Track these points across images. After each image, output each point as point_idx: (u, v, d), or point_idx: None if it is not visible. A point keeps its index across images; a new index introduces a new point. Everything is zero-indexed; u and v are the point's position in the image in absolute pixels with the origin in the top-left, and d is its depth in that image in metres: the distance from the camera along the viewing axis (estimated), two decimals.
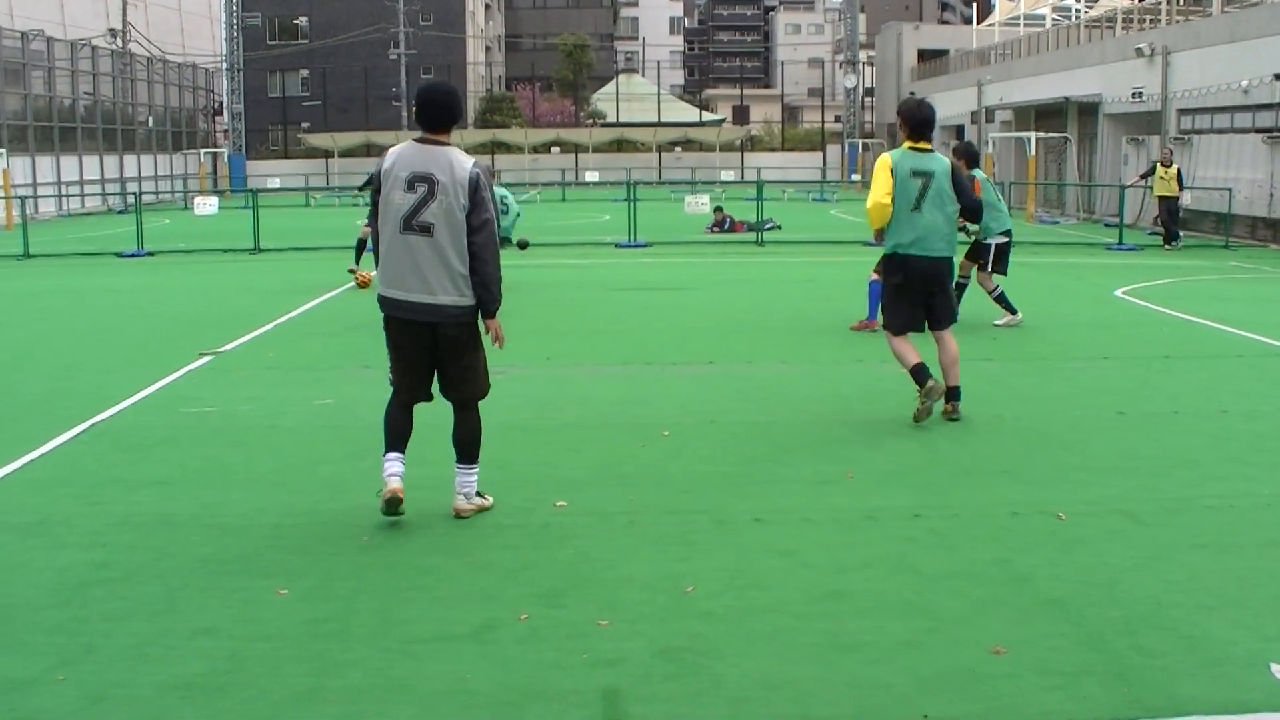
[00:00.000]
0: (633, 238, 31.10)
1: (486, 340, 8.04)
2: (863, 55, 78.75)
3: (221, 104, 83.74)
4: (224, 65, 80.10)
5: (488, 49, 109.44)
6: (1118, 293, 20.53)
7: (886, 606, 6.47)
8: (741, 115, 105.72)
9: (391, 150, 7.89)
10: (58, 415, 11.35)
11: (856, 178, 65.83)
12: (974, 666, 5.72)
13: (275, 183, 62.62)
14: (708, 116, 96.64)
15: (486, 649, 6.01)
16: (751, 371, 13.44)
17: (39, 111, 55.82)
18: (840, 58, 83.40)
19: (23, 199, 37.45)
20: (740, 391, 12.48)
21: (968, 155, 15.54)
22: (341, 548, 7.52)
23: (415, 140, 7.85)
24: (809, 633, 6.13)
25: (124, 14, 71.78)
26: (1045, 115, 48.66)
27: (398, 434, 8.07)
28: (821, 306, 18.55)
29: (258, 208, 32.18)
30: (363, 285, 20.51)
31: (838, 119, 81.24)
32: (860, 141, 72.76)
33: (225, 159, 75.98)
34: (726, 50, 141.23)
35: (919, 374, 10.61)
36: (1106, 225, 37.26)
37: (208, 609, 6.54)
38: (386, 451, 8.02)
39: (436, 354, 7.96)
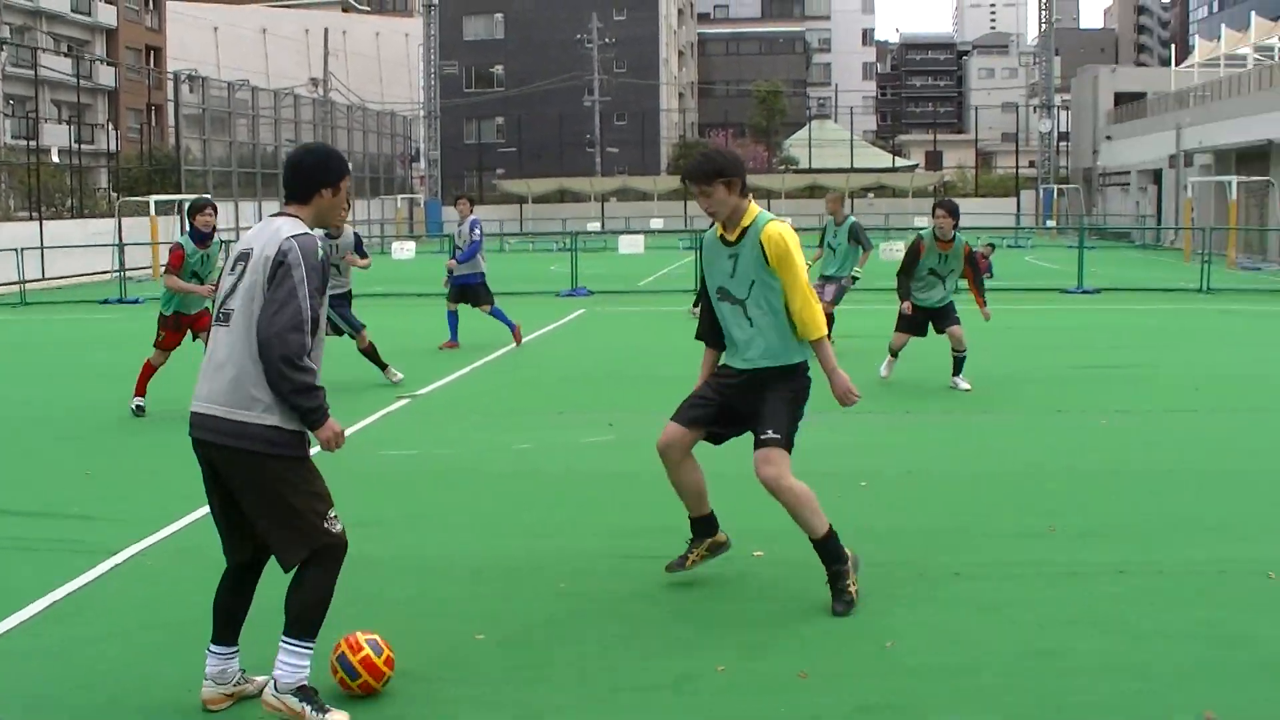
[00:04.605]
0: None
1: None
2: (1058, 99, 77.67)
3: (418, 150, 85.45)
4: (421, 112, 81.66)
5: (681, 95, 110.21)
6: None
7: (1094, 666, 6.29)
8: (935, 161, 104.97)
9: None
10: None
11: (1052, 224, 64.87)
12: None
13: None
14: (900, 162, 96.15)
15: (684, 700, 5.97)
16: (951, 420, 13.27)
17: (243, 158, 57.55)
18: (1035, 101, 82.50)
19: (226, 243, 38.48)
20: (937, 441, 12.33)
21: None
22: (540, 594, 7.54)
23: None
24: (1014, 692, 5.99)
25: (325, 63, 73.82)
26: (1247, 159, 47.47)
27: None
28: (1021, 358, 18.28)
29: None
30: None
31: (1032, 164, 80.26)
32: (1055, 186, 71.73)
33: (422, 204, 77.41)
34: (919, 95, 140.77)
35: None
36: None
37: (407, 651, 6.58)
38: None
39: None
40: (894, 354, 15.79)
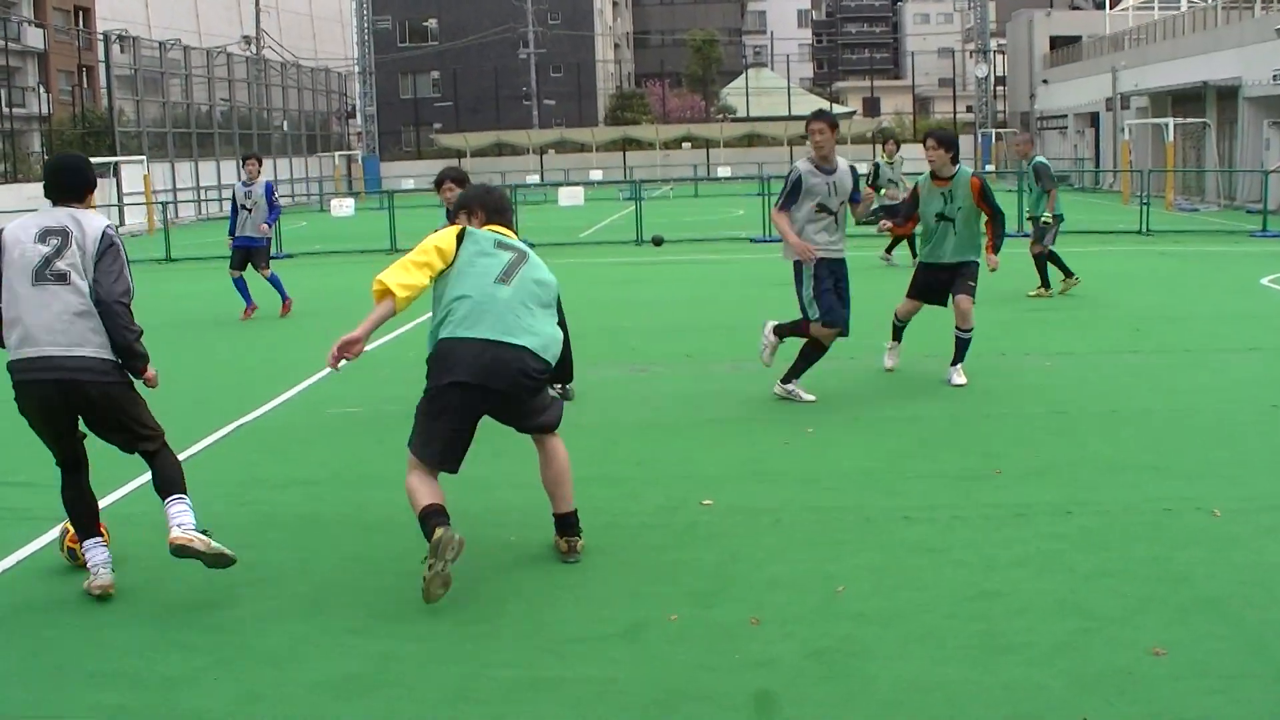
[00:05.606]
0: (767, 233, 31.00)
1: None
2: (993, 43, 77.76)
3: (354, 107, 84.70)
4: (356, 68, 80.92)
5: (616, 46, 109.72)
6: (1264, 281, 20.05)
7: (1040, 606, 6.35)
8: (872, 107, 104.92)
9: None
10: (204, 417, 11.51)
11: (991, 168, 65.08)
12: (1132, 668, 5.59)
13: (409, 184, 62.98)
14: (838, 109, 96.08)
15: (636, 649, 5.99)
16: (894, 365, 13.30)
17: (177, 118, 56.87)
18: (970, 47, 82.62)
19: (164, 204, 38.17)
20: (884, 386, 12.37)
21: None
22: (488, 548, 7.51)
23: None
24: (961, 634, 6.04)
25: (257, 21, 72.92)
26: (1183, 100, 47.70)
27: None
28: None
29: (393, 208, 32.47)
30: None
31: (969, 109, 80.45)
32: (993, 131, 71.92)
33: (359, 161, 76.86)
34: (855, 42, 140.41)
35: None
36: (1249, 212, 36.35)
37: (357, 609, 6.58)
38: None
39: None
40: (898, 333, 13.11)
